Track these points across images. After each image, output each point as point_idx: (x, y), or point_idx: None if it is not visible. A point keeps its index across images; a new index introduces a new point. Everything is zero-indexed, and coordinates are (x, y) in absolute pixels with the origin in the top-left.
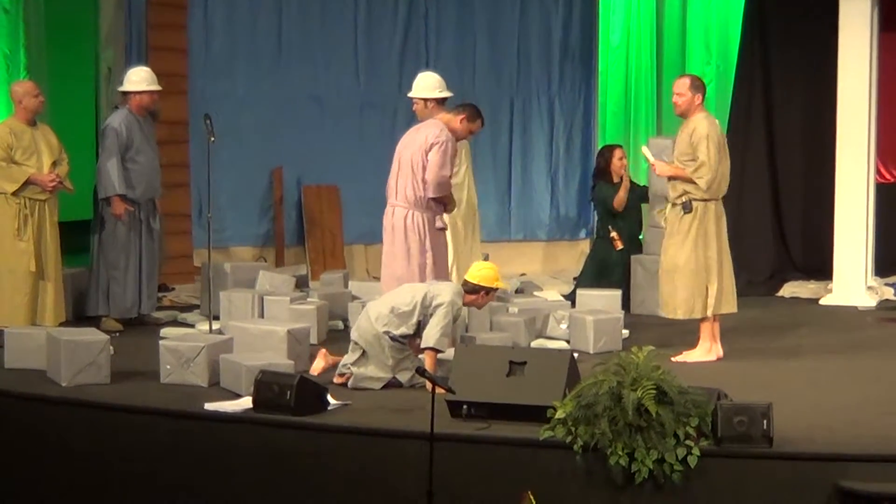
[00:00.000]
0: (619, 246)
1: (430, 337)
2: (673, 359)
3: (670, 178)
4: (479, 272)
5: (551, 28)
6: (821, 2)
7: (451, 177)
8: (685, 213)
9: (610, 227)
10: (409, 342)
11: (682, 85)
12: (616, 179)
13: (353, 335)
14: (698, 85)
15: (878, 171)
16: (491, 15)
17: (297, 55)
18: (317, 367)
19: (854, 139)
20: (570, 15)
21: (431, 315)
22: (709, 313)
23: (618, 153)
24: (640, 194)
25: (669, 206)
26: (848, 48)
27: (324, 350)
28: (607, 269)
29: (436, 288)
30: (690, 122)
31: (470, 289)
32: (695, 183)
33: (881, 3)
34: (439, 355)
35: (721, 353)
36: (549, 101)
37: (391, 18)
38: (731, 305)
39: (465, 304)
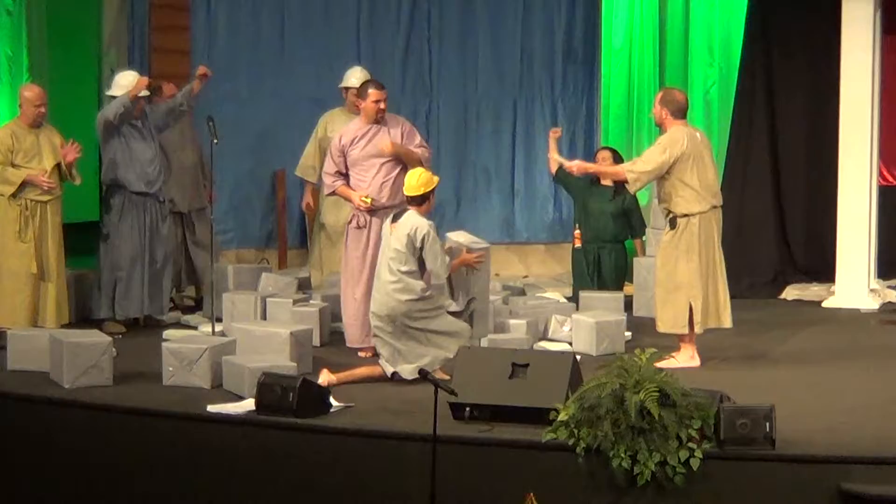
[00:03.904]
0: (577, 244)
1: (438, 272)
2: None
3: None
4: (418, 180)
5: (554, 30)
6: (824, 4)
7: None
8: (670, 228)
9: (577, 223)
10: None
11: (655, 98)
12: (605, 182)
13: (374, 323)
14: (668, 100)
15: (880, 174)
16: (493, 17)
17: (299, 57)
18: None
19: (857, 142)
20: (572, 17)
21: (422, 250)
22: (698, 330)
23: (600, 154)
24: (619, 201)
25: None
26: (850, 50)
27: (326, 368)
28: (574, 267)
29: (405, 226)
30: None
31: (420, 201)
32: (671, 200)
33: (884, 4)
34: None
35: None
36: (552, 104)
37: (394, 20)
38: (718, 320)
39: (422, 212)
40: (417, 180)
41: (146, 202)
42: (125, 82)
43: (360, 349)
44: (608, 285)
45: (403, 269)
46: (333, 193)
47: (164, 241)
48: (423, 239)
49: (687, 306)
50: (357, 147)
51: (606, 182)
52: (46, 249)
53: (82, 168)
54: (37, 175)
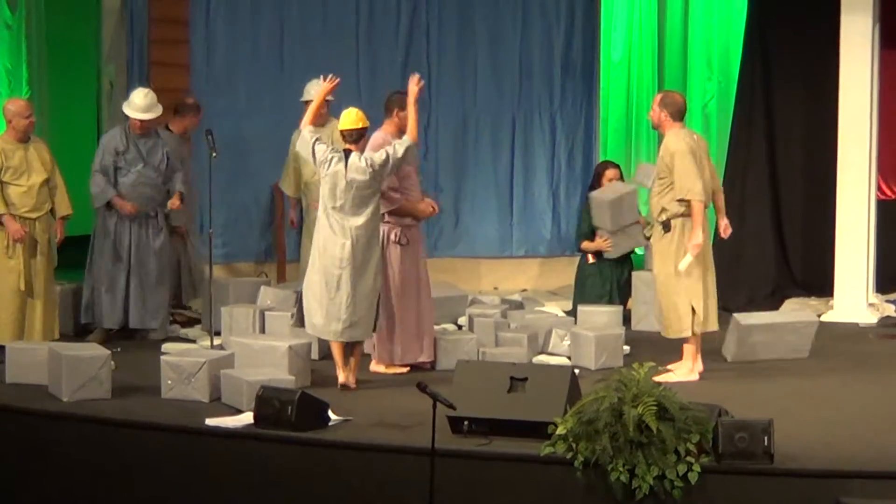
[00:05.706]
0: (591, 260)
1: (406, 143)
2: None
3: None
4: (356, 115)
5: (553, 44)
6: (822, 18)
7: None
8: (665, 232)
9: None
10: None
11: (654, 100)
12: None
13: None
14: (668, 102)
15: (879, 188)
16: (492, 31)
17: (298, 70)
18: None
19: (855, 156)
20: (571, 31)
21: (387, 159)
22: (697, 331)
23: (609, 173)
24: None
25: (656, 224)
26: (849, 65)
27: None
28: (582, 282)
29: (356, 165)
30: (664, 140)
31: (357, 138)
32: (677, 200)
33: (882, 19)
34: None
35: (701, 368)
36: (551, 117)
37: (393, 34)
38: (714, 323)
39: (359, 150)
40: (356, 115)
41: (139, 218)
42: (140, 101)
43: (408, 364)
44: (622, 299)
45: (369, 192)
46: (397, 210)
47: (157, 255)
48: (381, 156)
49: (689, 309)
50: (407, 161)
51: None
52: (35, 266)
53: (77, 181)
54: (12, 224)
